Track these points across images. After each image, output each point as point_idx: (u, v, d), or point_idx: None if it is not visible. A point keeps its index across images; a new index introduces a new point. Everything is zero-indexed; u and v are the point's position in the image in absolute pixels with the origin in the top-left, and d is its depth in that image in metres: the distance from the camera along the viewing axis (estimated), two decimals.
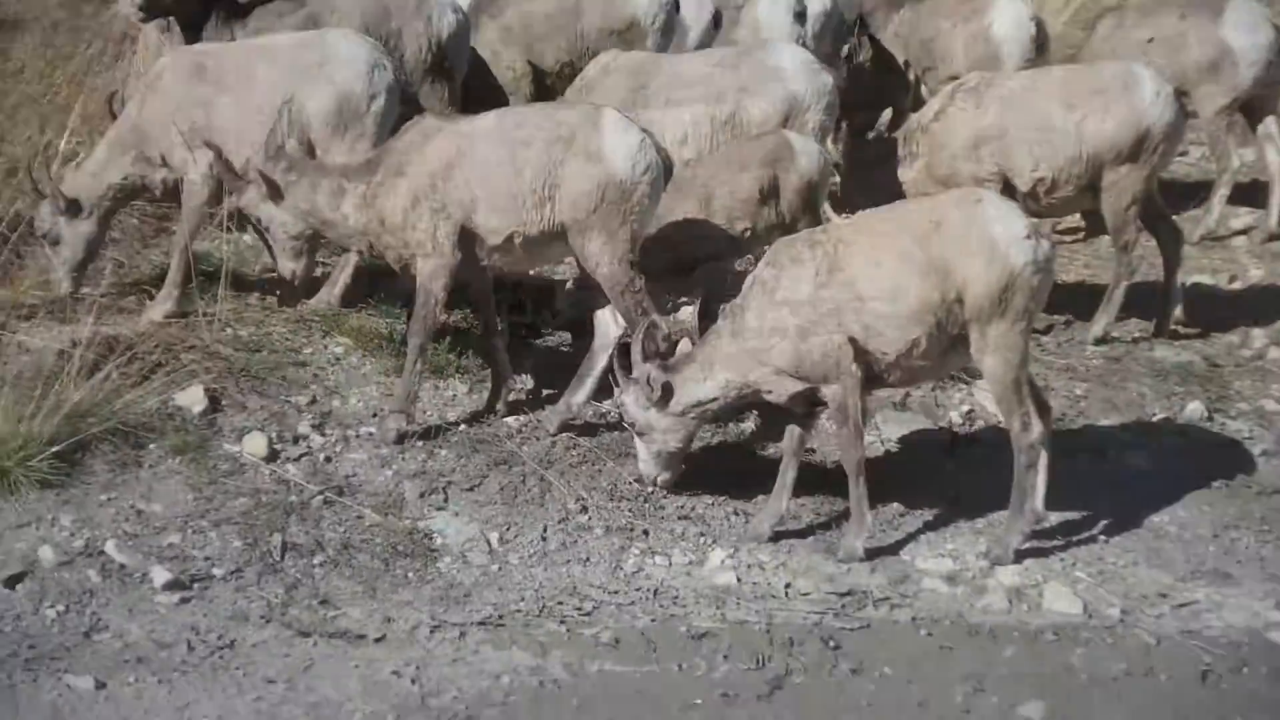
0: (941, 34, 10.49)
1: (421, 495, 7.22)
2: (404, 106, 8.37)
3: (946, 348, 6.78)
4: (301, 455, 7.36)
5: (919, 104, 10.14)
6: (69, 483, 6.87)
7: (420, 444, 7.53)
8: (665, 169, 7.49)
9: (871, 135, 11.03)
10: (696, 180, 8.13)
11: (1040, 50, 10.55)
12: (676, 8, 10.00)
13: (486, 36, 9.66)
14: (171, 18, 9.28)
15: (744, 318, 6.85)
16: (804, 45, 9.45)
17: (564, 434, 7.74)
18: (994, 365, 6.74)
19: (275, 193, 7.50)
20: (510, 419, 7.84)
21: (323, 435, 7.50)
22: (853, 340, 6.68)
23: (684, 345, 7.23)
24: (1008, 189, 8.62)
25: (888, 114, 11.19)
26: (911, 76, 10.69)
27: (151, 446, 7.18)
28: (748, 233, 8.07)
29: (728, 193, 8.08)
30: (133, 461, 7.09)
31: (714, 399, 6.96)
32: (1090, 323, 9.24)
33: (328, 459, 7.36)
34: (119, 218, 8.94)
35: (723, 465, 7.64)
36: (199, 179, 8.10)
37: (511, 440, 7.68)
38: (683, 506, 7.32)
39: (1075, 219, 10.38)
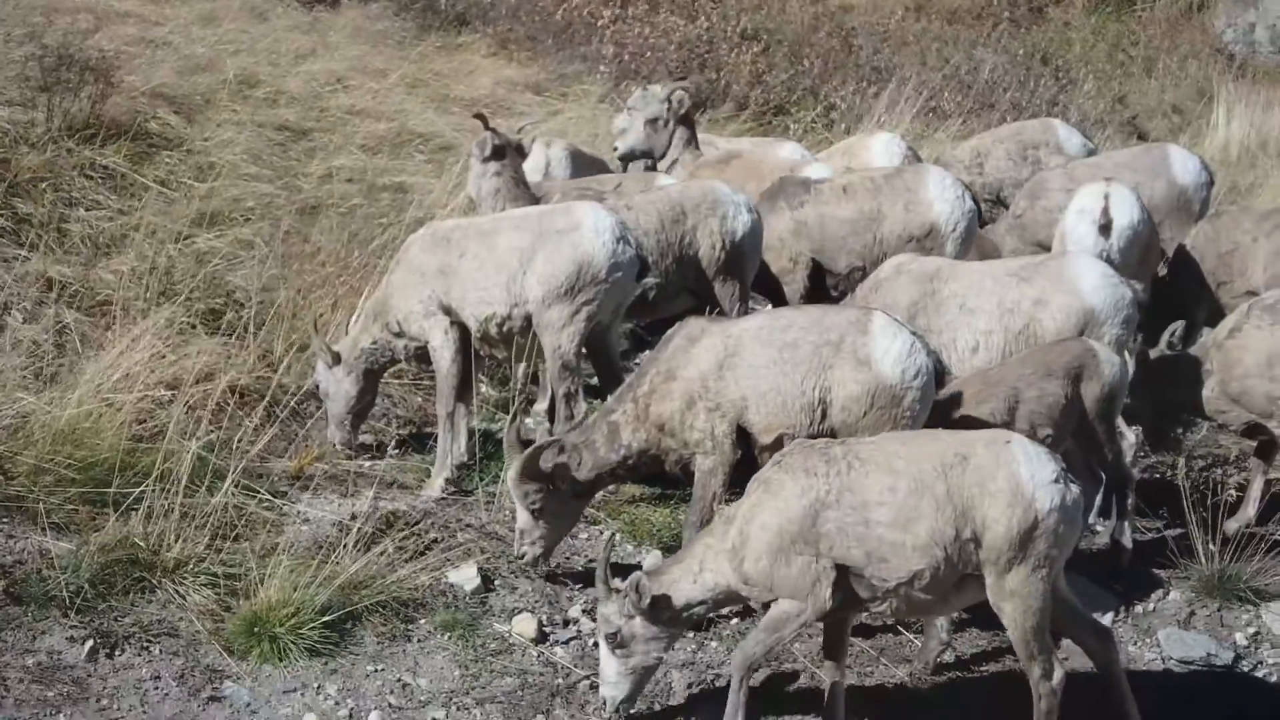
0: (1240, 248, 10.10)
1: (689, 686, 7.08)
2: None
3: (954, 584, 6.42)
4: (570, 639, 7.30)
5: (1214, 319, 9.76)
6: (337, 652, 6.89)
7: (691, 635, 7.35)
8: (936, 373, 7.32)
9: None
10: (1004, 382, 7.84)
11: None
12: (979, 215, 9.83)
13: (779, 225, 9.62)
14: None
15: (737, 518, 6.51)
16: (1108, 259, 9.14)
17: None
18: (1011, 612, 6.37)
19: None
20: None
21: (593, 620, 7.35)
22: (842, 567, 6.34)
23: (654, 556, 6.76)
24: None
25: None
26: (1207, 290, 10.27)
27: (421, 621, 7.19)
28: (1049, 440, 7.65)
29: (1035, 398, 7.80)
30: (401, 635, 7.09)
31: (701, 602, 6.59)
32: None
33: (597, 644, 7.19)
34: (404, 395, 9.13)
35: None
36: (439, 345, 8.28)
37: None
38: None
39: None
